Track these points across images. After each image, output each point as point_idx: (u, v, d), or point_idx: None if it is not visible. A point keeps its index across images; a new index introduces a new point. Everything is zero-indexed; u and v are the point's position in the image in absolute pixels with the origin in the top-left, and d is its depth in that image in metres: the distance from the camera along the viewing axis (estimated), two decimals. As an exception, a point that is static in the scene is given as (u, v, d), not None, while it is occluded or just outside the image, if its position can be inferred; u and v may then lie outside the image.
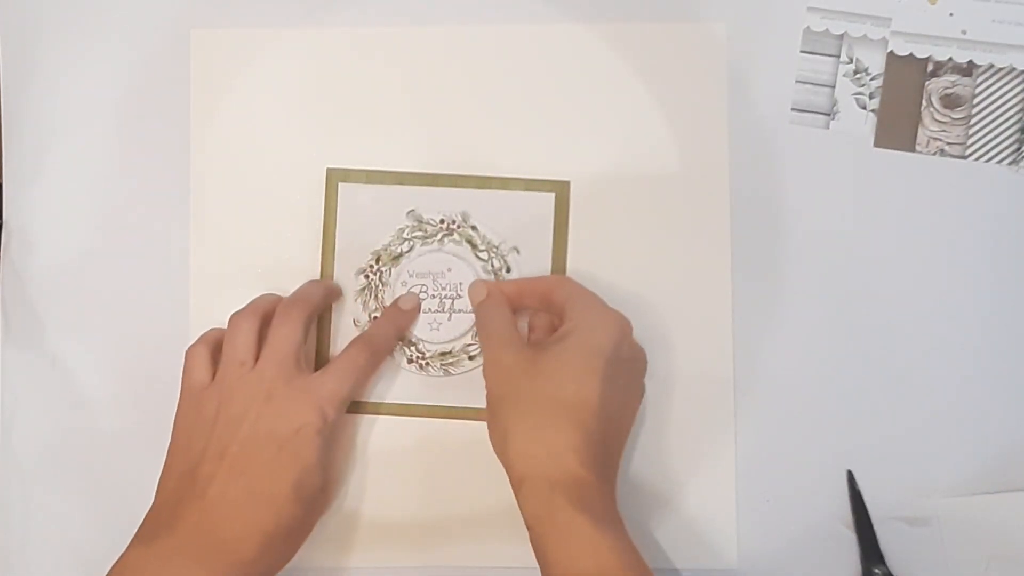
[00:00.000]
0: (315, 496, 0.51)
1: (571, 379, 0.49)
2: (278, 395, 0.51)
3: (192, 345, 0.54)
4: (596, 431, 0.49)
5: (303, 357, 0.53)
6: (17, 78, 0.59)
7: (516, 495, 0.49)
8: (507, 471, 0.50)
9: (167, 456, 0.52)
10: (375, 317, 0.57)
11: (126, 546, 0.49)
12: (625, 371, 0.52)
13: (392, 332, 0.56)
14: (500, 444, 0.51)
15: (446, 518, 0.57)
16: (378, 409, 0.57)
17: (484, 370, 0.53)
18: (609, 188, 0.57)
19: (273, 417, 0.51)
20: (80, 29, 0.59)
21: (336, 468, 0.56)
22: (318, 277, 0.57)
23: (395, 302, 0.57)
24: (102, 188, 0.59)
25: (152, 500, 0.51)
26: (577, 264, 0.57)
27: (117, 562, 0.48)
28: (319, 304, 0.55)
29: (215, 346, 0.54)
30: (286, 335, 0.52)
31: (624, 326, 0.52)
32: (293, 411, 0.51)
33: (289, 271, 0.57)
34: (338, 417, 0.53)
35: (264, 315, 0.54)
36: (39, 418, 0.58)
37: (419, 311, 0.57)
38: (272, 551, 0.50)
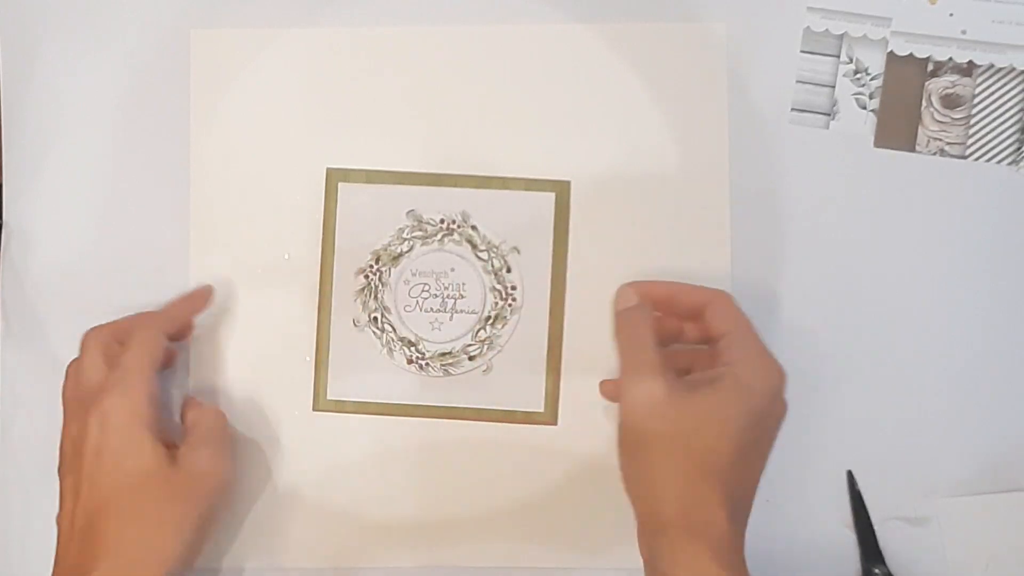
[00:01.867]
0: (155, 472, 0.49)
1: (723, 430, 0.47)
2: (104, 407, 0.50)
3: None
4: (737, 484, 0.48)
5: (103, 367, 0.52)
6: (17, 78, 0.59)
7: (649, 538, 0.48)
8: (639, 510, 0.49)
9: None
10: (375, 318, 0.57)
11: None
12: (771, 426, 0.50)
13: (184, 309, 0.56)
14: (639, 482, 0.49)
15: (446, 518, 0.57)
16: (378, 409, 0.57)
17: (623, 394, 0.49)
18: (609, 188, 0.57)
19: (100, 435, 0.50)
20: (80, 29, 0.59)
21: (202, 433, 0.53)
22: (318, 278, 0.57)
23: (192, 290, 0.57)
24: (102, 188, 0.59)
25: None
26: (577, 264, 0.57)
27: None
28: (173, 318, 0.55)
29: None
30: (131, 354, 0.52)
31: (782, 380, 0.50)
32: (103, 410, 0.50)
33: (289, 271, 0.58)
34: (149, 389, 0.50)
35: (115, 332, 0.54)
36: (39, 418, 0.58)
37: (209, 297, 0.57)
38: (162, 540, 0.49)
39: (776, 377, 0.49)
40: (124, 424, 0.49)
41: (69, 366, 0.53)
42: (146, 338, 0.52)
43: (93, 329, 0.53)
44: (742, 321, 0.51)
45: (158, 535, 0.48)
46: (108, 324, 0.54)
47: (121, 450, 0.49)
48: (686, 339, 0.54)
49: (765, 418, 0.49)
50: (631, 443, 0.49)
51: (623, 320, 0.52)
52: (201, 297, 0.57)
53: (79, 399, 0.51)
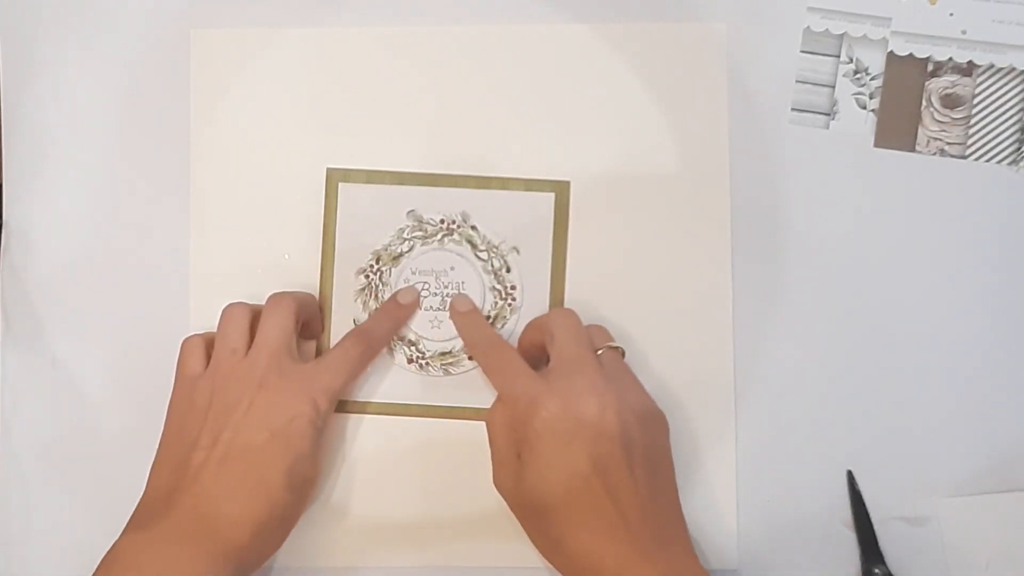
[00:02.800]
0: (306, 485, 0.52)
1: (559, 486, 0.48)
2: (271, 384, 0.51)
3: (189, 336, 0.55)
4: (625, 508, 0.48)
5: (295, 347, 0.53)
6: (17, 78, 0.59)
7: None
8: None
9: (160, 446, 0.53)
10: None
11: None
12: (620, 446, 0.49)
13: (388, 326, 0.56)
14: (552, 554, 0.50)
15: (446, 518, 0.57)
16: (378, 409, 0.57)
17: (502, 401, 0.53)
18: (609, 188, 0.57)
19: (266, 406, 0.51)
20: (80, 29, 0.59)
21: (324, 460, 0.56)
22: (318, 278, 0.57)
23: (394, 296, 0.57)
24: (102, 188, 0.59)
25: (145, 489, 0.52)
26: (577, 264, 0.57)
27: (111, 548, 0.48)
28: (305, 304, 0.55)
29: (212, 340, 0.54)
30: (276, 323, 0.52)
31: (598, 405, 0.49)
32: (286, 400, 0.51)
33: (289, 271, 0.58)
34: (330, 408, 0.53)
35: (256, 308, 0.54)
36: (39, 418, 0.58)
37: (418, 306, 0.57)
38: (264, 537, 0.50)
39: (594, 404, 0.49)
40: (326, 402, 0.52)
41: (191, 340, 0.54)
42: (354, 359, 0.54)
43: (238, 305, 0.54)
44: (562, 346, 0.52)
45: (271, 534, 0.51)
46: (291, 299, 0.54)
47: (299, 448, 0.51)
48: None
49: (601, 441, 0.49)
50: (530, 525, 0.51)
51: (480, 346, 0.55)
52: (407, 308, 0.57)
53: (232, 367, 0.52)
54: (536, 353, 0.55)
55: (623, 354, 0.54)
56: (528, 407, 0.50)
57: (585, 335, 0.52)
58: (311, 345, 0.58)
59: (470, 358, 0.57)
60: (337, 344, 0.55)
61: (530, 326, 0.56)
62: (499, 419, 0.52)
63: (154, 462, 0.52)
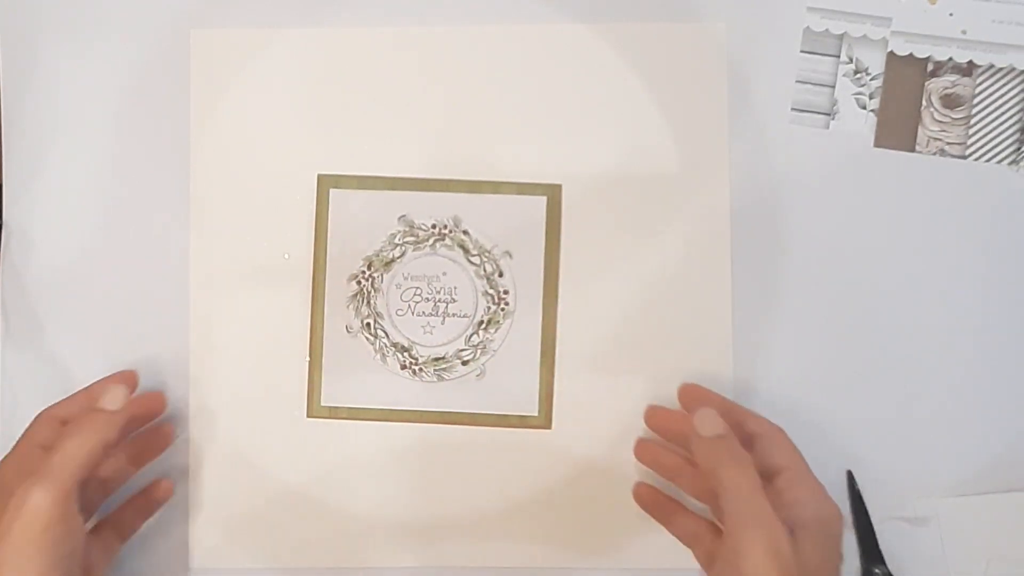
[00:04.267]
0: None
1: None
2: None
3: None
4: None
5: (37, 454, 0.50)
6: (17, 78, 0.59)
7: None
8: None
9: None
10: (367, 323, 0.57)
11: None
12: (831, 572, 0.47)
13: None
14: None
15: (443, 520, 0.57)
16: (373, 415, 0.57)
17: (737, 545, 0.45)
18: (607, 189, 0.57)
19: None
20: (80, 29, 0.59)
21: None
22: (311, 284, 0.57)
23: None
24: (102, 188, 0.59)
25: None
26: (570, 267, 0.57)
27: None
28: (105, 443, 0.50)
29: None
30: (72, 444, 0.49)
31: (842, 523, 0.48)
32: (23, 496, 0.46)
33: (287, 273, 0.57)
34: (73, 489, 0.47)
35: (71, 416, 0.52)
36: (39, 418, 0.58)
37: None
38: None
39: (838, 521, 0.48)
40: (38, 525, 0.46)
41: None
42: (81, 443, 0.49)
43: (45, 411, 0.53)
44: (799, 459, 0.50)
45: None
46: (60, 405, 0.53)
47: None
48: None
49: (832, 562, 0.47)
50: None
51: (722, 452, 0.48)
52: (156, 402, 0.55)
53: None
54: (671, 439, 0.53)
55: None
56: (836, 511, 0.48)
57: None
58: (302, 343, 0.57)
59: (464, 363, 0.57)
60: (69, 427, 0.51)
61: (699, 461, 0.49)
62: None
63: None
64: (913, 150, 0.57)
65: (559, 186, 0.57)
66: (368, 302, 0.57)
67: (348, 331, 0.57)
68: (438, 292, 0.57)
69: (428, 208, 0.57)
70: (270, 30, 0.58)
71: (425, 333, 0.57)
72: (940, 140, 0.57)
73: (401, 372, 0.57)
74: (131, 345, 0.58)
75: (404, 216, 0.57)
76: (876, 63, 0.57)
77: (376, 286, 0.57)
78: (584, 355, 0.56)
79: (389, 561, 0.57)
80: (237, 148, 0.58)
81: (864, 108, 0.57)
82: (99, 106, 0.59)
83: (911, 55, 0.57)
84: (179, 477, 0.57)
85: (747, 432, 0.51)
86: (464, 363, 0.57)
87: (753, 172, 0.57)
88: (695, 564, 0.53)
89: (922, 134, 0.57)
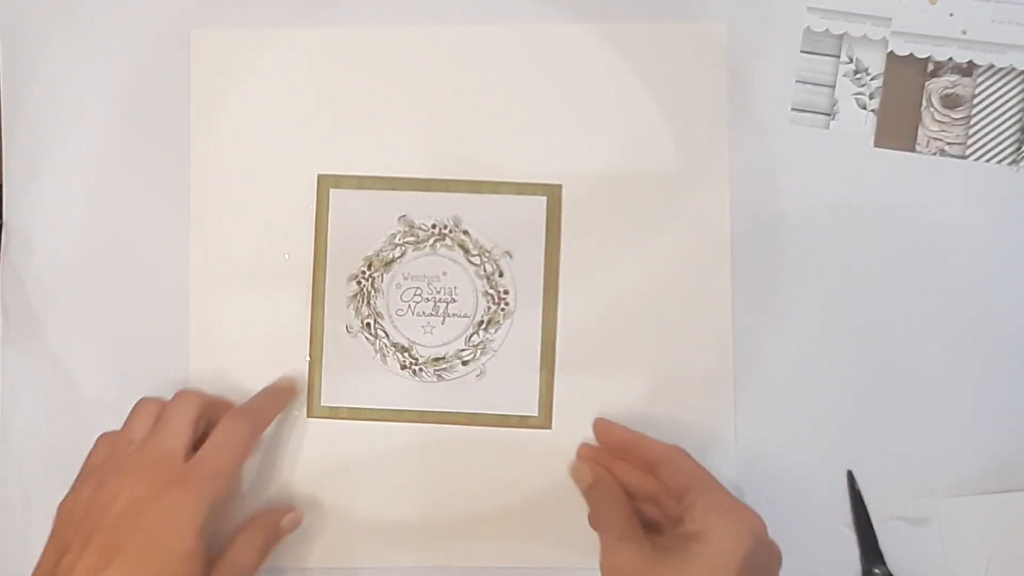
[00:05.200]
0: None
1: None
2: (153, 476, 0.48)
3: (104, 432, 0.54)
4: None
5: (188, 445, 0.51)
6: (17, 78, 0.59)
7: None
8: None
9: (47, 543, 0.49)
10: (367, 324, 0.57)
11: None
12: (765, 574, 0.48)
13: (270, 405, 0.55)
14: None
15: (443, 520, 0.57)
16: (373, 415, 0.57)
17: (602, 566, 0.49)
18: (607, 189, 0.57)
19: (144, 501, 0.47)
20: (80, 29, 0.59)
21: (246, 554, 0.52)
22: (310, 282, 0.57)
23: (275, 382, 0.56)
24: (102, 188, 0.59)
25: None
26: (570, 267, 0.57)
27: None
28: (213, 403, 0.54)
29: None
30: (173, 417, 0.51)
31: (758, 529, 0.47)
32: (167, 495, 0.47)
33: (287, 273, 0.58)
34: (225, 495, 0.49)
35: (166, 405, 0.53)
36: (39, 418, 0.58)
37: (294, 392, 0.56)
38: None
39: (748, 529, 0.47)
40: (216, 489, 0.48)
41: (105, 436, 0.53)
42: (239, 437, 0.51)
43: (183, 394, 0.53)
44: (701, 476, 0.50)
45: None
46: (198, 396, 0.53)
47: (174, 545, 0.47)
48: (648, 492, 0.53)
49: (751, 571, 0.46)
50: None
51: (591, 497, 0.53)
52: (287, 391, 0.56)
53: (141, 459, 0.50)
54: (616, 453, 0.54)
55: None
56: (746, 519, 0.48)
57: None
58: (303, 344, 0.57)
59: (464, 363, 0.57)
60: (218, 426, 0.52)
61: (638, 449, 0.53)
62: (611, 488, 0.52)
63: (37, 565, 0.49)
64: (913, 150, 0.57)
65: (559, 186, 0.57)
66: (368, 302, 0.57)
67: (348, 331, 0.57)
68: (438, 292, 0.57)
69: (428, 208, 0.57)
70: (270, 30, 0.58)
71: (425, 333, 0.57)
72: (940, 140, 0.57)
73: (401, 372, 0.57)
74: (131, 345, 0.58)
75: (404, 216, 0.57)
76: (876, 63, 0.57)
77: (376, 286, 0.57)
78: (584, 355, 0.56)
79: (389, 561, 0.57)
80: (237, 148, 0.58)
81: (864, 108, 0.57)
82: (99, 106, 0.59)
83: (911, 55, 0.57)
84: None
85: (648, 458, 0.52)
86: (464, 363, 0.57)
87: (753, 172, 0.57)
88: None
89: (922, 134, 0.57)
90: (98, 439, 0.53)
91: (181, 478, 0.48)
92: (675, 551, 0.47)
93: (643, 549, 0.48)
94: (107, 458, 0.51)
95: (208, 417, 0.53)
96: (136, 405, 0.53)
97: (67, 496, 0.50)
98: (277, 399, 0.56)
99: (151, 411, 0.52)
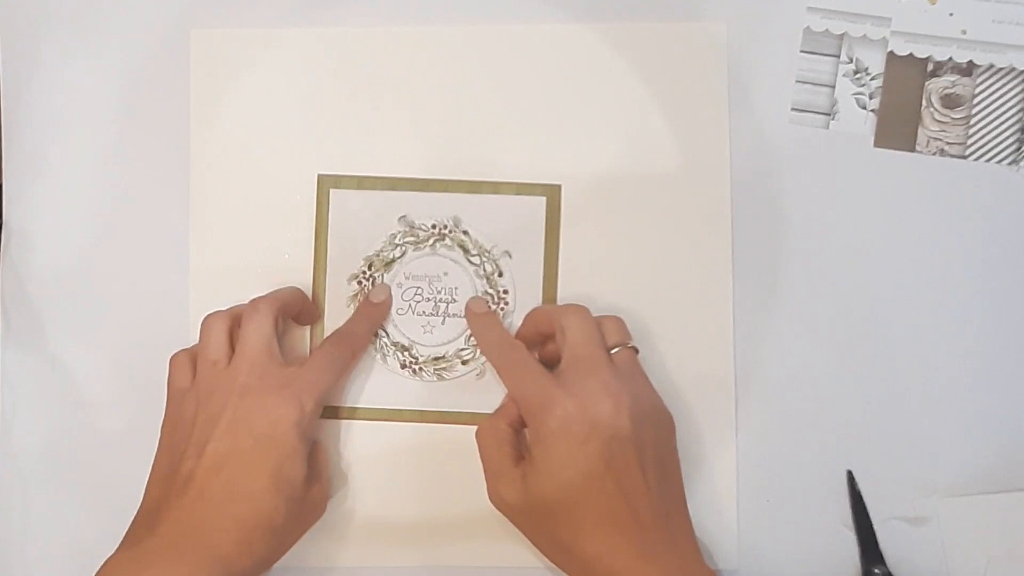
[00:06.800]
0: (297, 489, 0.50)
1: (573, 486, 0.49)
2: (252, 391, 0.51)
3: (176, 352, 0.54)
4: (630, 514, 0.48)
5: (277, 350, 0.52)
6: (17, 78, 0.59)
7: None
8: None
9: (154, 460, 0.52)
10: None
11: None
12: (633, 448, 0.49)
13: (366, 326, 0.56)
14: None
15: (443, 520, 0.57)
16: (372, 415, 0.57)
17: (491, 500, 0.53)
18: (607, 189, 0.57)
19: (247, 413, 0.50)
20: (80, 29, 0.59)
21: (322, 464, 0.55)
22: (311, 283, 0.57)
23: (366, 296, 0.57)
24: (102, 188, 0.59)
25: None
26: (571, 267, 0.57)
27: (101, 568, 0.48)
28: (290, 301, 0.55)
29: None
30: (255, 329, 0.52)
31: (599, 416, 0.49)
32: (268, 405, 0.50)
33: (289, 271, 0.58)
34: (316, 410, 0.52)
35: (235, 316, 0.54)
36: (39, 418, 0.58)
37: (390, 304, 0.57)
38: (252, 544, 0.49)
39: (608, 406, 0.49)
40: (312, 403, 0.51)
41: (178, 356, 0.54)
42: (339, 361, 0.54)
43: (217, 314, 0.54)
44: (577, 351, 0.52)
45: (260, 540, 0.49)
46: (269, 303, 0.54)
47: (283, 451, 0.50)
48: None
49: (614, 442, 0.49)
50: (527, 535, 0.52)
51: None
52: (383, 305, 0.57)
53: (215, 381, 0.51)
54: (538, 341, 0.55)
55: (636, 352, 0.54)
56: (542, 407, 0.50)
57: (598, 334, 0.52)
58: (303, 342, 0.57)
59: (464, 363, 0.57)
60: (319, 346, 0.55)
61: (535, 316, 0.55)
62: (488, 433, 0.53)
63: (148, 479, 0.52)
64: (913, 150, 0.57)
65: (559, 186, 0.57)
66: (368, 302, 0.57)
67: None
68: (438, 292, 0.57)
69: (428, 208, 0.57)
70: (270, 30, 0.58)
71: (425, 333, 0.57)
72: (940, 140, 0.57)
73: (401, 371, 0.57)
74: (131, 345, 0.58)
75: (404, 216, 0.57)
76: (876, 63, 0.57)
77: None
78: (584, 355, 0.56)
79: (388, 561, 0.56)
80: (237, 148, 0.58)
81: (864, 108, 0.57)
82: (99, 106, 0.59)
83: (911, 55, 0.57)
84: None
85: (559, 324, 0.53)
86: (464, 363, 0.57)
87: (753, 172, 0.57)
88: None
89: (922, 134, 0.57)
90: (172, 361, 0.54)
91: (283, 386, 0.51)
92: (533, 457, 0.50)
93: (516, 481, 0.51)
94: (197, 379, 0.52)
95: (292, 313, 0.55)
96: (205, 322, 0.53)
97: (167, 418, 0.53)
98: (371, 317, 0.57)
99: (222, 327, 0.53)
